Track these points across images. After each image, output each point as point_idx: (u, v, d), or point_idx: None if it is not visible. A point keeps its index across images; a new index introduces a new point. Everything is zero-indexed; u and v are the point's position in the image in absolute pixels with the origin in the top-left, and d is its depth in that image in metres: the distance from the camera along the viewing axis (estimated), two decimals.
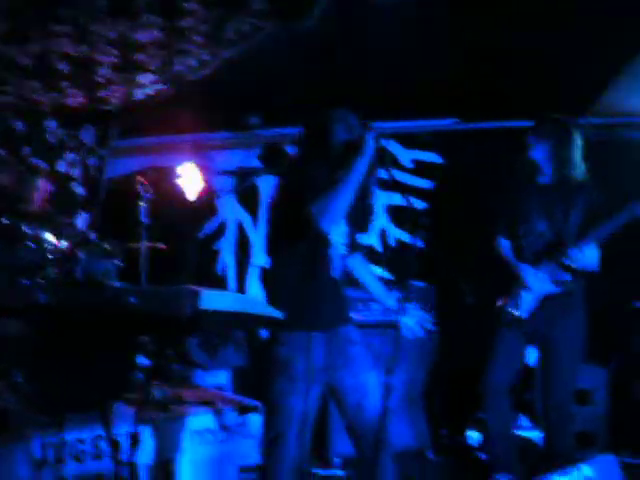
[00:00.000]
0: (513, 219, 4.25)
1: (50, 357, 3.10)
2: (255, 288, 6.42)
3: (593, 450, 4.84)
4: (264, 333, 3.54)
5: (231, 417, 4.48)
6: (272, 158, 5.83)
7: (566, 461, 3.57)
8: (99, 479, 3.79)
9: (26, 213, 5.12)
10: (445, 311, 5.37)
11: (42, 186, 5.27)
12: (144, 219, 5.26)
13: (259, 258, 6.25)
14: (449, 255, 5.55)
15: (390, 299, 3.50)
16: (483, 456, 4.88)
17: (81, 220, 6.34)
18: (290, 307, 3.08)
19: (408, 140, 6.27)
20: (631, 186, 5.40)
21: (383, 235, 6.29)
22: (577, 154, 4.13)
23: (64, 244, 4.75)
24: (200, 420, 4.36)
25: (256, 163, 6.40)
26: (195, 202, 6.28)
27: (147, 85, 5.40)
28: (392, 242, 6.26)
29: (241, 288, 6.57)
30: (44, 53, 4.74)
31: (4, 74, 4.92)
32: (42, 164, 5.63)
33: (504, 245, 4.32)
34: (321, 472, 4.93)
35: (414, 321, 3.38)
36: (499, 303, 4.26)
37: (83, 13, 3.87)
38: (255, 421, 4.47)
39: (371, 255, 6.07)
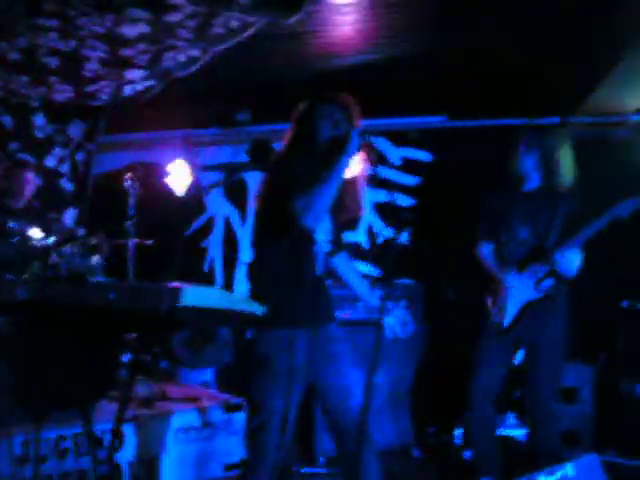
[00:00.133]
0: (495, 226, 4.25)
1: (31, 353, 3.08)
2: (243, 285, 6.42)
3: (579, 449, 4.84)
4: (249, 330, 3.53)
5: (216, 414, 4.47)
6: (259, 154, 5.81)
7: (551, 460, 3.57)
8: (81, 476, 3.79)
9: (13, 209, 5.11)
10: (433, 308, 5.38)
11: (31, 179, 5.26)
12: (131, 215, 5.23)
13: (247, 255, 6.24)
14: (434, 252, 5.55)
15: (374, 298, 3.48)
16: (468, 455, 4.88)
17: (69, 216, 6.33)
18: (273, 304, 3.06)
19: (397, 137, 6.26)
20: (619, 184, 5.44)
21: (370, 232, 6.28)
22: (566, 162, 4.13)
23: (51, 240, 4.74)
24: (185, 417, 4.35)
25: (244, 159, 6.39)
26: (183, 198, 6.26)
27: (136, 81, 5.39)
28: (380, 239, 6.26)
29: (229, 285, 6.56)
30: (32, 48, 4.73)
31: None
32: (30, 159, 5.61)
33: (485, 251, 4.32)
34: (307, 470, 4.92)
35: (396, 321, 3.36)
36: (487, 303, 4.26)
37: (69, 7, 3.84)
38: (240, 418, 4.46)
39: (358, 252, 6.08)
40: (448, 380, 4.97)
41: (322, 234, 3.23)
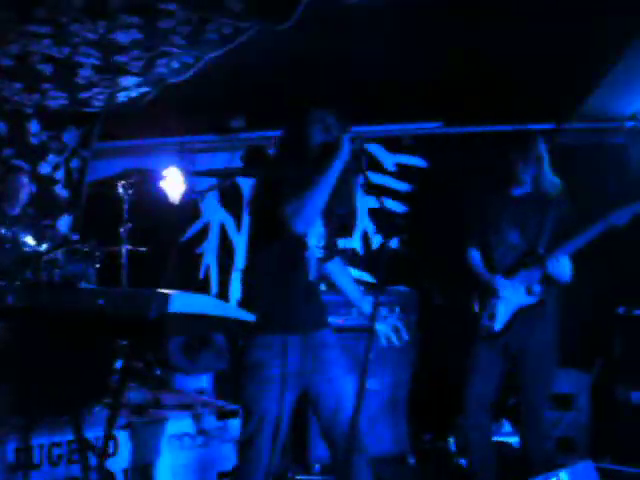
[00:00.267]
0: (484, 230, 4.24)
1: (22, 359, 3.06)
2: (239, 292, 6.40)
3: (575, 456, 4.82)
4: (241, 337, 3.51)
5: (210, 421, 4.44)
6: (254, 160, 5.80)
7: (546, 467, 3.55)
8: None
9: (8, 215, 5.10)
10: (427, 315, 5.37)
11: (25, 184, 5.25)
12: (125, 222, 5.23)
13: (243, 261, 6.21)
14: (428, 258, 5.55)
15: (368, 304, 3.46)
16: (463, 462, 4.87)
17: (63, 222, 6.32)
18: (265, 310, 3.06)
19: (392, 144, 6.25)
20: (614, 190, 5.45)
21: (365, 238, 6.27)
22: (549, 167, 4.13)
23: (45, 246, 4.73)
24: (179, 424, 4.32)
25: (239, 165, 6.38)
26: (178, 205, 6.25)
27: (130, 88, 5.38)
28: (375, 245, 6.25)
29: (224, 291, 6.55)
30: (26, 54, 4.73)
31: None
32: (25, 166, 5.60)
33: (474, 256, 4.31)
34: (301, 477, 4.90)
35: (389, 328, 3.35)
36: (475, 310, 4.24)
37: (61, 13, 3.84)
38: (235, 425, 4.44)
39: (353, 258, 6.07)
40: (443, 387, 4.96)
41: (314, 239, 3.22)
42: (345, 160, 3.00)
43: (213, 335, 5.03)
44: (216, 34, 4.30)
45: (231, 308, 2.83)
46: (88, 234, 5.09)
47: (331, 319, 4.75)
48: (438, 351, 5.43)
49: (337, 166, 2.98)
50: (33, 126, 6.10)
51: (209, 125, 6.32)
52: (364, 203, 6.09)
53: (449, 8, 4.47)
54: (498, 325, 4.10)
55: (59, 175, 6.29)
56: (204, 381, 5.63)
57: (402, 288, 5.36)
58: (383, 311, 3.41)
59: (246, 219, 6.16)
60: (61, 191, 6.33)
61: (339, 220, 3.40)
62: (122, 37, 4.29)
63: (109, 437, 3.03)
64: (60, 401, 3.10)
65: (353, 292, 3.54)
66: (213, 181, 6.55)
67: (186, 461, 4.29)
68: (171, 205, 6.19)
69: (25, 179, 5.26)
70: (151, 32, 4.19)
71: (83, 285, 3.95)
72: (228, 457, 4.40)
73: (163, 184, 6.13)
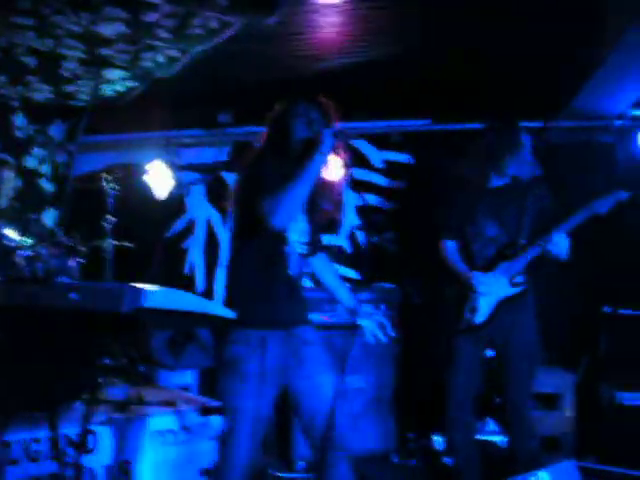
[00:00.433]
0: (460, 222, 4.22)
1: None
2: (223, 288, 6.37)
3: (560, 455, 4.82)
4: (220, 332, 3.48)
5: (193, 418, 4.41)
6: (240, 156, 5.78)
7: (529, 466, 3.54)
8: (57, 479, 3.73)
9: None
10: (409, 312, 5.36)
11: (10, 177, 5.21)
12: (110, 217, 5.20)
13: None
14: (413, 255, 5.53)
15: (352, 301, 3.44)
16: (447, 460, 4.85)
17: (49, 217, 6.28)
18: (245, 305, 3.03)
19: (380, 140, 6.23)
20: (600, 189, 5.44)
21: (352, 235, 6.24)
22: (527, 156, 4.11)
23: (27, 240, 4.69)
24: (161, 421, 4.28)
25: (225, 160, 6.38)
26: (163, 200, 6.22)
27: (116, 81, 5.35)
28: (362, 242, 6.22)
29: (210, 288, 6.52)
30: (10, 46, 4.69)
31: None
32: (10, 159, 5.55)
33: (449, 247, 4.27)
34: (284, 475, 4.88)
35: (374, 325, 3.32)
36: (456, 302, 4.22)
37: (44, 5, 3.81)
38: (217, 422, 4.41)
39: (340, 255, 6.04)
40: (428, 384, 4.94)
41: (295, 235, 3.19)
42: (327, 155, 2.98)
43: (197, 331, 5.01)
44: (202, 28, 4.27)
45: (209, 304, 2.80)
46: (73, 229, 5.05)
47: (316, 316, 4.77)
48: (422, 348, 5.40)
49: (318, 161, 2.95)
50: (19, 119, 6.05)
51: (196, 120, 6.29)
52: (351, 199, 6.07)
53: (439, 6, 4.45)
54: (480, 318, 4.08)
55: (45, 169, 6.24)
56: (189, 377, 5.60)
57: (387, 285, 5.35)
58: (369, 308, 3.37)
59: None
60: (47, 185, 6.28)
61: (324, 216, 3.37)
62: (106, 30, 4.26)
63: (85, 433, 2.99)
64: (36, 397, 3.06)
65: (338, 288, 3.50)
66: (199, 176, 6.52)
67: (168, 457, 4.25)
68: (157, 200, 6.16)
69: (10, 173, 5.21)
70: (136, 25, 4.16)
71: (61, 280, 3.92)
72: (210, 454, 4.37)
73: (148, 179, 6.10)
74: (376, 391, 5.26)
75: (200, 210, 6.62)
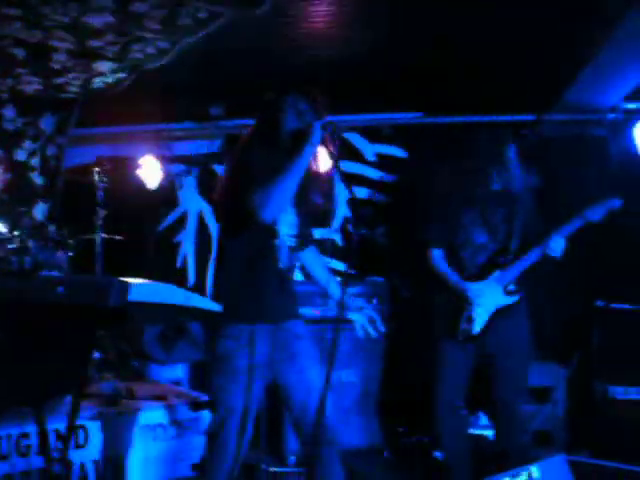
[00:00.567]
0: (449, 228, 4.18)
1: None
2: None
3: (552, 449, 4.82)
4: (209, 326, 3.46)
5: (183, 412, 4.39)
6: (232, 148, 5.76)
7: (520, 461, 3.53)
8: (44, 474, 3.70)
9: None
10: (399, 307, 5.35)
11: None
12: (101, 210, 5.17)
13: None
14: (404, 249, 5.51)
15: (342, 294, 3.40)
16: (438, 455, 4.84)
17: (39, 210, 6.24)
18: (234, 299, 3.02)
19: (372, 133, 6.20)
20: (594, 183, 5.43)
21: (344, 229, 6.22)
22: (518, 163, 4.09)
23: (17, 234, 4.66)
24: (152, 415, 4.27)
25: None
26: (154, 193, 6.19)
27: (106, 73, 5.30)
28: (353, 236, 6.19)
29: (202, 280, 6.49)
30: None
31: None
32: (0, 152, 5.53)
33: (437, 256, 4.23)
34: (276, 469, 4.86)
35: (365, 319, 3.30)
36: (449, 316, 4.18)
37: None
38: (208, 417, 4.39)
39: (332, 249, 6.01)
40: (418, 379, 4.92)
41: (285, 227, 3.16)
42: (316, 147, 2.95)
43: (188, 325, 4.99)
44: (190, 18, 4.23)
45: (197, 297, 2.78)
46: (63, 222, 5.03)
47: (307, 310, 4.74)
48: (413, 343, 5.38)
49: (307, 153, 2.93)
50: (8, 112, 6.00)
51: (188, 113, 6.26)
52: (343, 193, 6.03)
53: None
54: (477, 327, 4.04)
55: (35, 162, 6.20)
56: (179, 371, 5.58)
57: (378, 279, 5.33)
58: (359, 302, 3.35)
59: None
60: (37, 178, 6.23)
61: (314, 209, 3.35)
62: (95, 20, 4.21)
63: (72, 428, 2.97)
64: (24, 392, 3.04)
65: (328, 282, 3.47)
66: (189, 168, 6.49)
67: (159, 452, 4.25)
68: (147, 193, 6.13)
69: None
70: (124, 16, 4.11)
71: (48, 273, 3.89)
72: (201, 448, 4.35)
73: (140, 171, 6.07)
74: (367, 385, 5.24)
75: (192, 203, 6.58)
